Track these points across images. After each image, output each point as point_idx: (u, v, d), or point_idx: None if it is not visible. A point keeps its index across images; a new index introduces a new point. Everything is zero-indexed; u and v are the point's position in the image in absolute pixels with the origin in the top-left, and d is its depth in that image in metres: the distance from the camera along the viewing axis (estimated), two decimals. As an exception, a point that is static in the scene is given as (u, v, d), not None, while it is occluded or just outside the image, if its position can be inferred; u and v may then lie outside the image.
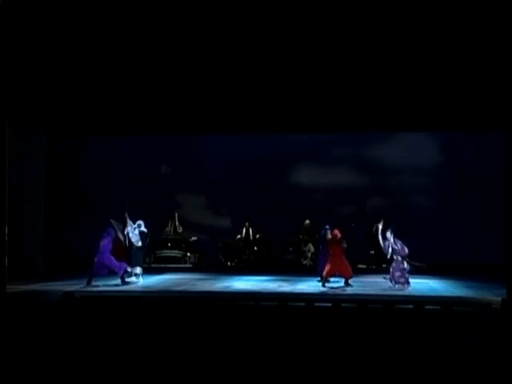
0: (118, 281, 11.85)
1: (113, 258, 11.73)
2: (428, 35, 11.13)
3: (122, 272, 11.80)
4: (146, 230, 12.54)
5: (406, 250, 11.47)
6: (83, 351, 5.42)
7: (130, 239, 12.23)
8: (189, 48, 11.85)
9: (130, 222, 12.24)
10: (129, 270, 12.09)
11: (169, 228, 15.93)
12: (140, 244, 12.42)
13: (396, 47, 11.52)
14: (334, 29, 11.11)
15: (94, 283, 11.58)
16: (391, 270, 11.50)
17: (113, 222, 12.03)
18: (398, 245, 11.48)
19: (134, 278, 12.34)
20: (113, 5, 10.88)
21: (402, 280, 11.33)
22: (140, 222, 12.48)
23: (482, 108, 12.85)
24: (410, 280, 11.71)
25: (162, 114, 14.02)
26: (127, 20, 11.21)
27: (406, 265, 11.47)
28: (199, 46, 11.79)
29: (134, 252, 12.35)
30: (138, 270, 12.44)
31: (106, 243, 11.76)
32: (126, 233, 12.19)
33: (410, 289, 11.20)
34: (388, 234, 11.59)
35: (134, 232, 12.28)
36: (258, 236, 15.77)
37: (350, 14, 10.82)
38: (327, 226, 12.55)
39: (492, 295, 10.14)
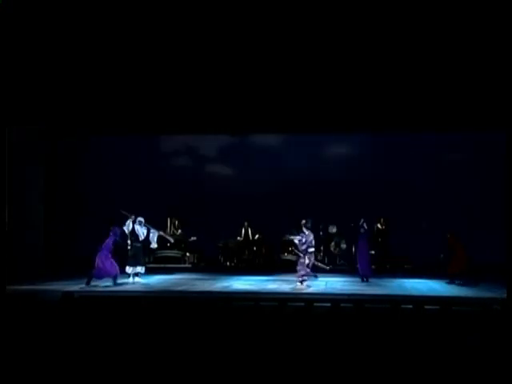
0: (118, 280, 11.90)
1: (110, 259, 11.71)
2: (423, 35, 11.14)
3: (112, 275, 11.75)
4: (156, 232, 12.63)
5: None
6: (83, 351, 5.41)
7: (138, 236, 12.39)
8: (189, 48, 11.87)
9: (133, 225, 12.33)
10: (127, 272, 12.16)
11: (168, 229, 15.93)
12: (155, 246, 12.65)
13: (393, 48, 11.54)
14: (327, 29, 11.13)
15: (92, 283, 11.60)
16: (300, 267, 11.57)
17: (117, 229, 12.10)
18: (311, 240, 11.73)
19: (138, 279, 12.38)
20: (113, 8, 10.88)
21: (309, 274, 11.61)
22: (140, 218, 12.49)
23: (481, 108, 12.83)
24: (408, 280, 11.84)
25: (162, 114, 14.01)
26: (127, 21, 11.21)
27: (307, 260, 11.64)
28: (199, 47, 11.81)
29: (136, 250, 12.37)
30: (140, 268, 12.50)
31: (108, 242, 11.78)
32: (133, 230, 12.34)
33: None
34: (304, 229, 11.76)
35: (142, 230, 12.39)
36: (257, 236, 15.78)
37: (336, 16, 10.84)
38: (362, 219, 12.66)
39: (492, 295, 10.15)
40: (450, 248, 12.45)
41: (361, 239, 12.81)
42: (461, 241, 12.35)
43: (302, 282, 11.38)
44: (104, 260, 11.58)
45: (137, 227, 12.42)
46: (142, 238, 12.46)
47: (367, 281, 12.46)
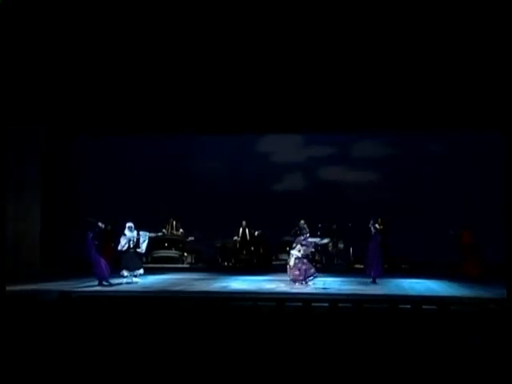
0: (118, 280, 11.86)
1: (98, 257, 11.62)
2: (425, 37, 11.15)
3: (99, 277, 11.62)
4: (146, 234, 12.44)
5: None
6: (80, 351, 5.39)
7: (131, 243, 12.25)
8: (187, 48, 11.87)
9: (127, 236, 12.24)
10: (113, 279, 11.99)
11: (166, 229, 15.90)
12: (143, 251, 12.45)
13: (394, 49, 11.55)
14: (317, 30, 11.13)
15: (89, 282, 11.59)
16: (304, 268, 11.59)
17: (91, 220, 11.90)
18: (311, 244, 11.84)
19: (137, 279, 12.32)
20: (112, 9, 10.88)
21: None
22: (130, 224, 12.30)
23: (481, 109, 12.85)
24: (406, 280, 11.87)
25: (162, 114, 14.02)
26: (126, 22, 11.21)
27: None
28: (196, 48, 11.81)
29: (130, 254, 12.26)
30: (141, 270, 12.44)
31: (87, 244, 11.64)
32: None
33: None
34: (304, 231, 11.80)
35: (133, 234, 12.21)
36: (256, 233, 15.73)
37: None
38: (372, 220, 12.39)
39: (490, 295, 10.14)
40: (464, 247, 12.32)
41: (373, 240, 12.38)
42: (473, 240, 12.32)
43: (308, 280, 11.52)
44: (96, 261, 11.55)
45: (128, 233, 12.25)
46: (133, 244, 12.28)
47: (374, 282, 12.17)
